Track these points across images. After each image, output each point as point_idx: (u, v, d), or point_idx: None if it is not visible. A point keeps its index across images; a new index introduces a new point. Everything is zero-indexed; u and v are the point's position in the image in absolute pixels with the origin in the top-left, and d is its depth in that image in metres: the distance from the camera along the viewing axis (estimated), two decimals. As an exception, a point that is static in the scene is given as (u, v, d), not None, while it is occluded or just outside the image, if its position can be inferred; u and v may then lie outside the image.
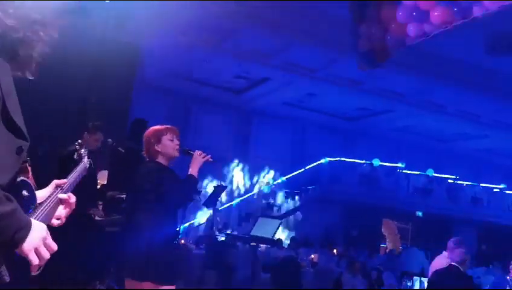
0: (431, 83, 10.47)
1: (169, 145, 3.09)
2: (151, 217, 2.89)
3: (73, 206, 1.45)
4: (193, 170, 3.10)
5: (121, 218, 4.60)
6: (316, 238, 12.62)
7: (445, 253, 4.15)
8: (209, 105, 13.28)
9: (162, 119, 3.45)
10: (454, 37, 7.09)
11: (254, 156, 14.33)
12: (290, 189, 14.06)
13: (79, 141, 1.95)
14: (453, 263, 3.84)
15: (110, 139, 4.40)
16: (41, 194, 1.38)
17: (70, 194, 1.45)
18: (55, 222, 1.41)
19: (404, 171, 14.28)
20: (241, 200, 13.54)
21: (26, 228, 1.09)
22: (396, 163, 14.17)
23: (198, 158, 3.14)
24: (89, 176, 4.29)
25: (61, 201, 1.40)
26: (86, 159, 1.81)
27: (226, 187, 4.93)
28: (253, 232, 4.10)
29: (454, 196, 14.50)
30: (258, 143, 14.40)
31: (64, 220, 1.44)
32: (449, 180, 14.93)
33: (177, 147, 3.13)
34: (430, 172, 14.47)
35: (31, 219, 1.15)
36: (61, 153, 4.07)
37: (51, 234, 1.20)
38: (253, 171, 14.44)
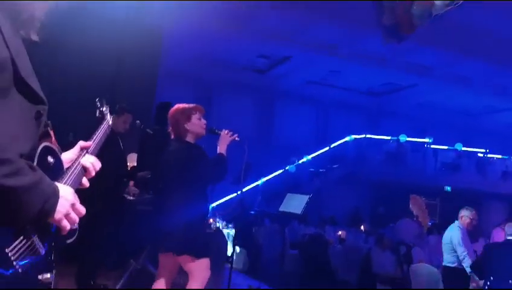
0: (458, 56, 10.18)
1: (198, 123, 3.13)
2: (184, 194, 2.95)
3: (96, 170, 1.38)
4: (222, 149, 3.14)
5: (153, 197, 4.72)
6: (343, 216, 12.62)
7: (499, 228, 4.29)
8: (231, 87, 13.29)
9: (186, 102, 3.48)
10: (481, 8, 6.86)
11: (278, 136, 14.33)
12: (315, 168, 14.03)
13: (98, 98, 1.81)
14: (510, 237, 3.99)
15: (138, 121, 4.49)
16: (67, 157, 1.33)
17: (94, 162, 1.37)
18: (86, 184, 1.35)
19: (431, 146, 14.02)
20: (266, 180, 13.61)
21: (55, 196, 1.03)
22: (424, 138, 13.92)
23: (226, 137, 3.18)
24: (119, 158, 4.42)
25: (84, 168, 1.33)
26: (108, 117, 1.72)
27: (251, 165, 4.97)
28: (281, 208, 4.14)
29: (484, 170, 14.19)
30: (282, 123, 14.37)
31: (88, 185, 1.36)
32: (478, 154, 14.59)
33: (205, 125, 3.17)
34: (459, 146, 14.16)
35: (58, 184, 1.09)
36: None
37: (85, 216, 1.15)
38: (278, 150, 14.45)
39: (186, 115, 3.11)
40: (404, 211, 14.65)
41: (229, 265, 5.04)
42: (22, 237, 0.98)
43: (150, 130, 4.68)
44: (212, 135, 3.24)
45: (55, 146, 1.22)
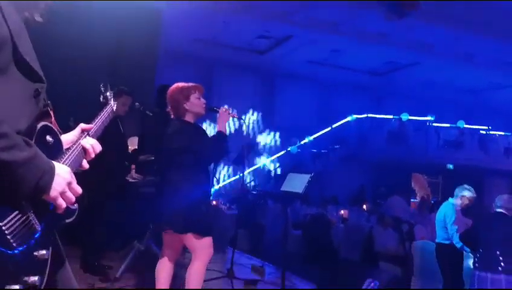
0: (461, 32, 10.05)
1: (198, 103, 3.10)
2: (186, 174, 2.95)
3: (96, 153, 1.36)
4: (221, 126, 3.11)
5: (155, 179, 4.74)
6: (345, 196, 12.66)
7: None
8: (232, 68, 13.20)
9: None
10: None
11: (279, 117, 14.29)
12: (317, 148, 14.02)
13: (102, 84, 1.81)
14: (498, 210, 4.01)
15: (137, 103, 4.47)
16: (67, 138, 1.32)
17: (94, 144, 1.35)
18: (86, 165, 1.33)
19: (433, 124, 13.98)
20: (268, 162, 13.64)
21: (50, 173, 1.02)
22: (426, 117, 13.87)
23: (225, 114, 3.14)
24: (120, 142, 4.41)
25: (84, 150, 1.31)
26: (112, 102, 1.71)
27: (254, 145, 4.97)
28: (283, 188, 4.13)
29: (486, 147, 14.16)
30: (283, 103, 14.31)
31: (87, 166, 1.35)
32: (481, 132, 14.55)
33: (204, 105, 3.15)
34: (461, 124, 14.11)
35: (55, 162, 1.08)
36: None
37: (88, 197, 1.16)
38: (279, 131, 14.44)
39: (185, 94, 3.08)
40: (406, 190, 14.69)
41: (232, 245, 5.09)
42: (17, 212, 0.97)
43: (150, 112, 4.66)
44: (211, 113, 3.23)
45: (55, 126, 1.22)
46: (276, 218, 7.96)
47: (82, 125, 1.40)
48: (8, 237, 0.93)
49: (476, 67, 12.19)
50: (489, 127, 14.57)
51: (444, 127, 14.17)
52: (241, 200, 8.97)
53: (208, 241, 2.98)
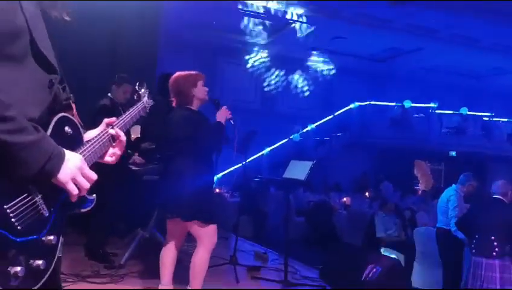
0: (464, 16, 9.94)
1: (203, 90, 3.13)
2: (191, 161, 2.97)
3: (124, 145, 1.36)
4: (220, 118, 3.16)
5: (158, 167, 4.75)
6: (348, 183, 12.68)
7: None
8: (233, 54, 13.13)
9: (188, 70, 3.45)
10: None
11: (282, 105, 14.26)
12: (320, 136, 14.01)
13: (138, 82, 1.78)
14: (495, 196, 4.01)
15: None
16: (91, 134, 1.32)
17: (120, 132, 1.34)
18: (109, 159, 1.33)
19: (436, 111, 13.93)
20: (271, 150, 13.63)
21: (58, 158, 1.03)
22: (428, 104, 13.81)
23: (225, 113, 3.19)
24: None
25: (112, 138, 1.31)
26: (145, 99, 1.65)
27: (256, 133, 4.96)
28: (285, 175, 4.14)
29: (490, 134, 14.13)
30: (286, 91, 14.27)
31: (118, 158, 1.35)
32: (484, 118, 14.50)
33: (206, 92, 3.18)
34: (464, 110, 14.07)
35: (67, 150, 1.08)
36: (94, 108, 4.17)
37: (93, 187, 1.14)
38: (282, 119, 14.42)
39: (192, 81, 3.11)
40: (408, 177, 14.69)
41: (235, 232, 5.13)
42: (24, 196, 0.99)
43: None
44: (212, 105, 3.26)
45: (76, 119, 1.23)
46: (279, 205, 8.00)
47: (106, 120, 1.40)
48: (13, 219, 0.94)
49: (479, 52, 12.09)
50: (493, 114, 14.52)
51: (446, 114, 14.13)
52: (244, 187, 9.00)
53: (212, 228, 3.01)
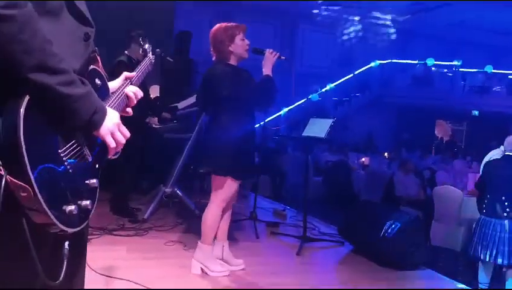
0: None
1: (241, 44, 2.95)
2: (233, 118, 2.89)
3: (138, 99, 1.44)
4: (267, 70, 2.97)
5: (178, 125, 4.78)
6: (366, 143, 12.61)
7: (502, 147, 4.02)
8: (251, 12, 12.83)
9: (206, 31, 3.29)
10: None
11: (301, 64, 14.02)
12: (339, 96, 13.81)
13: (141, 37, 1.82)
14: (507, 153, 3.81)
15: (158, 49, 4.42)
16: (112, 85, 1.38)
17: (136, 92, 1.42)
18: (130, 112, 1.41)
19: (460, 69, 13.51)
20: (289, 110, 13.53)
21: (103, 112, 1.10)
22: (452, 61, 13.39)
23: (270, 57, 2.99)
24: (141, 86, 4.42)
25: (127, 97, 1.39)
26: (150, 55, 1.75)
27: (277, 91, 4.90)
28: (305, 133, 4.10)
29: (515, 93, 13.72)
30: (305, 49, 13.98)
31: (131, 112, 1.43)
32: (509, 76, 14.02)
33: (248, 46, 2.99)
34: (489, 69, 13.60)
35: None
36: (111, 64, 4.16)
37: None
38: (301, 78, 14.21)
39: (230, 35, 2.92)
40: (429, 137, 14.48)
41: (254, 191, 5.19)
42: (73, 142, 1.07)
43: (170, 59, 4.62)
44: (255, 55, 3.02)
45: (102, 71, 1.28)
46: (298, 164, 8.03)
47: (126, 74, 1.47)
48: (65, 163, 1.03)
49: (507, 6, 11.52)
50: (519, 71, 14.03)
51: (470, 72, 13.70)
52: (262, 146, 9.02)
53: (223, 182, 2.94)
